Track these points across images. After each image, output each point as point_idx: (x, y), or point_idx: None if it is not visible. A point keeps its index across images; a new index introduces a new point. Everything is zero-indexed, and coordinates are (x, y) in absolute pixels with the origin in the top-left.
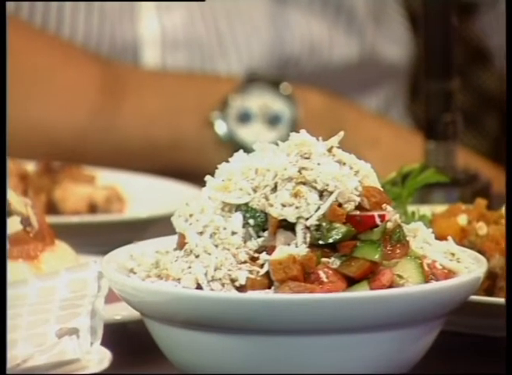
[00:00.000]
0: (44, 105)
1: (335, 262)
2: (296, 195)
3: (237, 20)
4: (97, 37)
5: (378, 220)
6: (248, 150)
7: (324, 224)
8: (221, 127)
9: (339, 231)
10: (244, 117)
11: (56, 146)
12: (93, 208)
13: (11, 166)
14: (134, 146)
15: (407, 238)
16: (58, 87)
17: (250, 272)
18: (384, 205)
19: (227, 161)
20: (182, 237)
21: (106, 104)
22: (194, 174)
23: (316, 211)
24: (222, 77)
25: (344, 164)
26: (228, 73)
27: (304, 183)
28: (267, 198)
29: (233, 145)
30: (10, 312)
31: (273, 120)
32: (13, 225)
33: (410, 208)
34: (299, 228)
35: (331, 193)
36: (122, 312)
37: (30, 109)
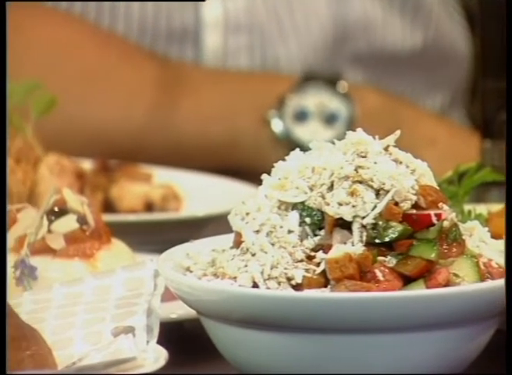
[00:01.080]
0: (101, 103)
1: (391, 260)
2: (352, 194)
3: (296, 3)
4: (153, 23)
5: (434, 219)
6: (304, 148)
7: (380, 223)
8: (277, 126)
9: (395, 230)
10: (301, 116)
11: (114, 144)
12: (149, 207)
13: (67, 164)
14: (191, 144)
15: (463, 237)
16: (116, 85)
17: (307, 270)
18: (440, 204)
19: (283, 159)
20: (238, 235)
21: (164, 101)
22: (251, 172)
23: (372, 210)
24: (279, 76)
25: (401, 163)
26: (287, 56)
27: (360, 182)
28: (323, 197)
29: (290, 144)
30: (66, 311)
31: (330, 119)
32: (69, 223)
33: (467, 207)
34: (355, 227)
35: (387, 192)
36: (179, 310)
37: (88, 108)
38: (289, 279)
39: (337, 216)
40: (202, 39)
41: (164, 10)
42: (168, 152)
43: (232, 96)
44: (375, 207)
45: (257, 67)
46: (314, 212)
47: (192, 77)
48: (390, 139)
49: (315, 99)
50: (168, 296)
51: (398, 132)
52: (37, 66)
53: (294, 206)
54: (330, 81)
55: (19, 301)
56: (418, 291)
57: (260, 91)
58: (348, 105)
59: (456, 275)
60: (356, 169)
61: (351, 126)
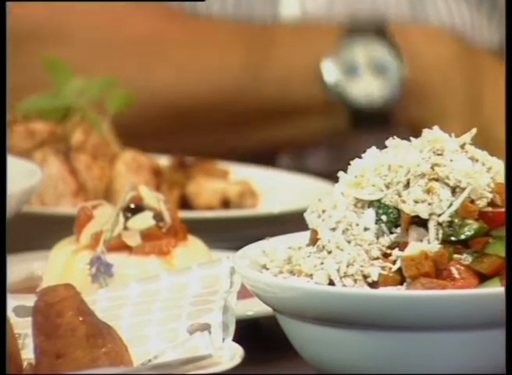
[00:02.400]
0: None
1: (467, 258)
2: (428, 192)
3: None
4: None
5: None
6: (356, 104)
7: (456, 221)
8: (329, 80)
9: (471, 228)
10: (351, 70)
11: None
12: (226, 204)
13: (144, 160)
14: (243, 102)
15: None
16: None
17: (383, 268)
18: None
19: (360, 157)
20: (314, 232)
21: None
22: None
23: (448, 207)
24: (325, 27)
25: (477, 161)
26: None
27: (436, 180)
28: (399, 195)
29: (342, 99)
30: (142, 308)
31: (380, 70)
32: (146, 220)
33: None
34: (431, 224)
35: (463, 189)
36: (255, 307)
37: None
38: (365, 276)
39: (413, 214)
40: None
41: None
42: (249, 114)
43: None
44: (451, 205)
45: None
46: (391, 210)
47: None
48: (466, 137)
49: (364, 51)
50: (244, 293)
51: (474, 130)
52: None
53: (370, 204)
54: (378, 31)
55: (95, 298)
56: (494, 288)
57: (308, 44)
58: (397, 54)
59: None
60: (432, 167)
61: (402, 75)
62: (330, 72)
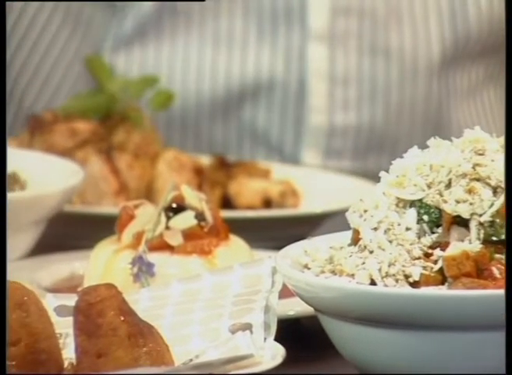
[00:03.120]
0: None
1: None
2: (470, 192)
3: None
4: (257, 3)
5: None
6: None
7: (497, 220)
8: None
9: None
10: None
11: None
12: (267, 203)
13: (186, 159)
14: None
15: None
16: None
17: (424, 268)
18: None
19: (401, 156)
20: (356, 232)
21: None
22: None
23: (490, 207)
24: None
25: None
26: (400, 46)
27: (477, 180)
28: (441, 195)
29: None
30: (183, 307)
31: None
32: (188, 220)
33: None
34: (473, 224)
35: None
36: (296, 307)
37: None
38: (406, 276)
39: (455, 214)
40: (308, 20)
41: None
42: None
43: None
44: (492, 205)
45: (366, 53)
46: (432, 210)
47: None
48: None
49: None
50: (285, 293)
51: None
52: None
53: (412, 204)
54: None
55: (137, 297)
56: None
57: None
58: None
59: None
60: (473, 167)
61: None
62: None
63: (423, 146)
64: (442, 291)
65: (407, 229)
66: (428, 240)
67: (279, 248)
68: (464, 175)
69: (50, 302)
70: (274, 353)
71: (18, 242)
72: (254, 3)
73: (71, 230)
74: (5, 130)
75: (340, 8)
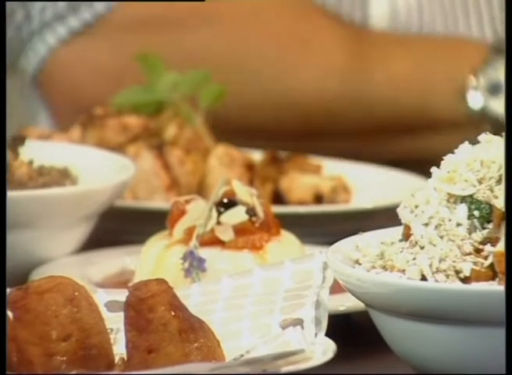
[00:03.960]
0: (296, 69)
1: None
2: None
3: None
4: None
5: None
6: (499, 123)
7: None
8: (472, 97)
9: None
10: (495, 88)
11: (308, 112)
12: (319, 199)
13: (237, 155)
14: (383, 112)
15: None
16: (310, 51)
17: (475, 263)
18: None
19: (452, 153)
20: (407, 228)
21: (355, 68)
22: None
23: None
24: (471, 44)
25: None
26: (466, 24)
27: None
28: (492, 190)
29: (485, 117)
30: (234, 303)
31: None
32: (239, 215)
33: None
34: None
35: None
36: (347, 302)
37: (285, 77)
38: (457, 272)
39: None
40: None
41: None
42: (360, 120)
43: (424, 63)
44: None
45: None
46: (483, 206)
47: (382, 43)
48: None
49: None
50: (336, 288)
51: None
52: (230, 37)
53: (463, 199)
54: None
55: (188, 293)
56: None
57: (453, 59)
58: None
59: None
60: None
61: None
62: (474, 89)
63: None
64: (493, 286)
65: (458, 224)
66: (478, 235)
67: (330, 243)
68: None
69: (101, 298)
70: (325, 349)
71: (69, 237)
72: None
73: (122, 226)
74: (5, 129)
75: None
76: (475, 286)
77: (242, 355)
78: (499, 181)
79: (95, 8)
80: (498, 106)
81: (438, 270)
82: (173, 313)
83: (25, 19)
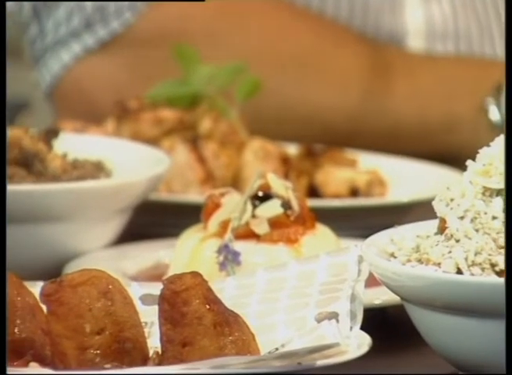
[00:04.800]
0: (316, 87)
1: None
2: None
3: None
4: (361, 25)
5: None
6: None
7: None
8: (495, 114)
9: None
10: None
11: (329, 129)
12: (354, 192)
13: (272, 148)
14: (406, 129)
15: None
16: (330, 68)
17: None
18: None
19: (488, 145)
20: (443, 221)
21: (377, 86)
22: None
23: None
24: (494, 62)
25: None
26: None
27: None
28: None
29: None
30: (269, 296)
31: None
32: (274, 208)
33: None
34: None
35: None
36: (382, 296)
37: (304, 92)
38: (493, 265)
39: None
40: (406, 46)
41: (372, 13)
42: (383, 137)
43: (448, 81)
44: None
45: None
46: None
47: (404, 62)
48: None
49: None
50: (372, 282)
51: None
52: (249, 51)
53: (498, 192)
54: None
55: (222, 286)
56: None
57: (476, 76)
58: None
59: None
60: None
61: None
62: (496, 109)
63: None
64: None
65: (494, 218)
66: None
67: (365, 237)
68: None
69: (135, 291)
70: (360, 342)
71: (103, 231)
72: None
73: (157, 219)
74: (5, 128)
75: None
76: None
77: (277, 349)
78: None
79: (110, 26)
80: None
81: (473, 264)
82: (208, 307)
83: (39, 34)
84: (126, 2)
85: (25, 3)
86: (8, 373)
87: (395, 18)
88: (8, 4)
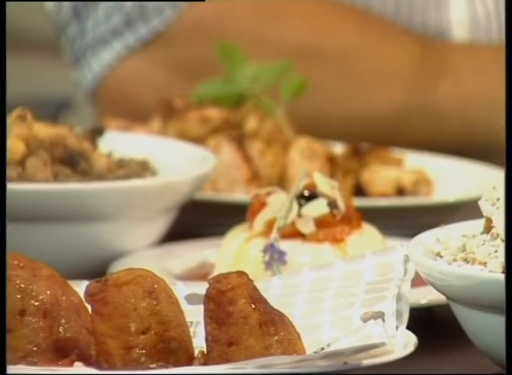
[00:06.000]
0: (363, 84)
1: None
2: None
3: None
4: (407, 21)
5: None
6: None
7: None
8: None
9: None
10: None
11: (375, 124)
12: (400, 192)
13: (318, 147)
14: (450, 125)
15: None
16: (377, 65)
17: None
18: None
19: None
20: (489, 220)
21: (423, 82)
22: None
23: None
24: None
25: None
26: None
27: None
28: None
29: None
30: (315, 296)
31: None
32: (320, 207)
33: None
34: None
35: None
36: (428, 296)
37: (350, 89)
38: None
39: None
40: (451, 40)
41: (418, 8)
42: (428, 134)
43: (493, 76)
44: None
45: None
46: None
47: (450, 57)
48: None
49: None
50: (418, 281)
51: None
52: (293, 48)
53: None
54: None
55: (268, 285)
56: None
57: None
58: None
59: None
60: None
61: None
62: None
63: None
64: None
65: None
66: None
67: (411, 236)
68: None
69: (180, 290)
70: (406, 342)
71: (149, 230)
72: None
73: (202, 218)
74: (5, 127)
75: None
76: None
77: (323, 349)
78: None
79: (151, 24)
80: None
81: None
82: (253, 306)
83: (79, 33)
84: None
85: (64, 3)
86: (8, 372)
87: (440, 13)
88: (47, 4)
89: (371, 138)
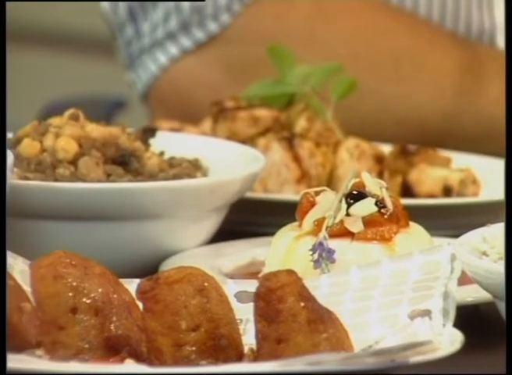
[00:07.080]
0: (413, 86)
1: None
2: None
3: None
4: (452, 22)
5: None
6: None
7: None
8: None
9: None
10: None
11: (423, 128)
12: (448, 191)
13: (367, 147)
14: (497, 129)
15: None
16: (426, 68)
17: None
18: None
19: None
20: None
21: (471, 85)
22: None
23: None
24: None
25: None
26: None
27: None
28: None
29: None
30: (363, 294)
31: None
32: (368, 207)
33: None
34: None
35: None
36: (475, 294)
37: (399, 92)
38: None
39: None
40: (496, 43)
41: (463, 9)
42: (476, 137)
43: None
44: None
45: None
46: None
47: (497, 62)
48: None
49: None
50: (464, 280)
51: None
52: (345, 51)
53: None
54: None
55: (317, 284)
56: None
57: None
58: None
59: None
60: None
61: None
62: None
63: None
64: None
65: None
66: None
67: (458, 235)
68: None
69: (230, 288)
70: (452, 339)
71: (199, 229)
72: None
73: (252, 217)
74: (5, 127)
75: None
76: None
77: (370, 346)
78: None
79: (207, 28)
80: None
81: None
82: (302, 304)
83: (135, 35)
84: (223, 3)
85: (120, 4)
86: (8, 372)
87: (485, 15)
88: (102, 4)
89: (421, 142)
